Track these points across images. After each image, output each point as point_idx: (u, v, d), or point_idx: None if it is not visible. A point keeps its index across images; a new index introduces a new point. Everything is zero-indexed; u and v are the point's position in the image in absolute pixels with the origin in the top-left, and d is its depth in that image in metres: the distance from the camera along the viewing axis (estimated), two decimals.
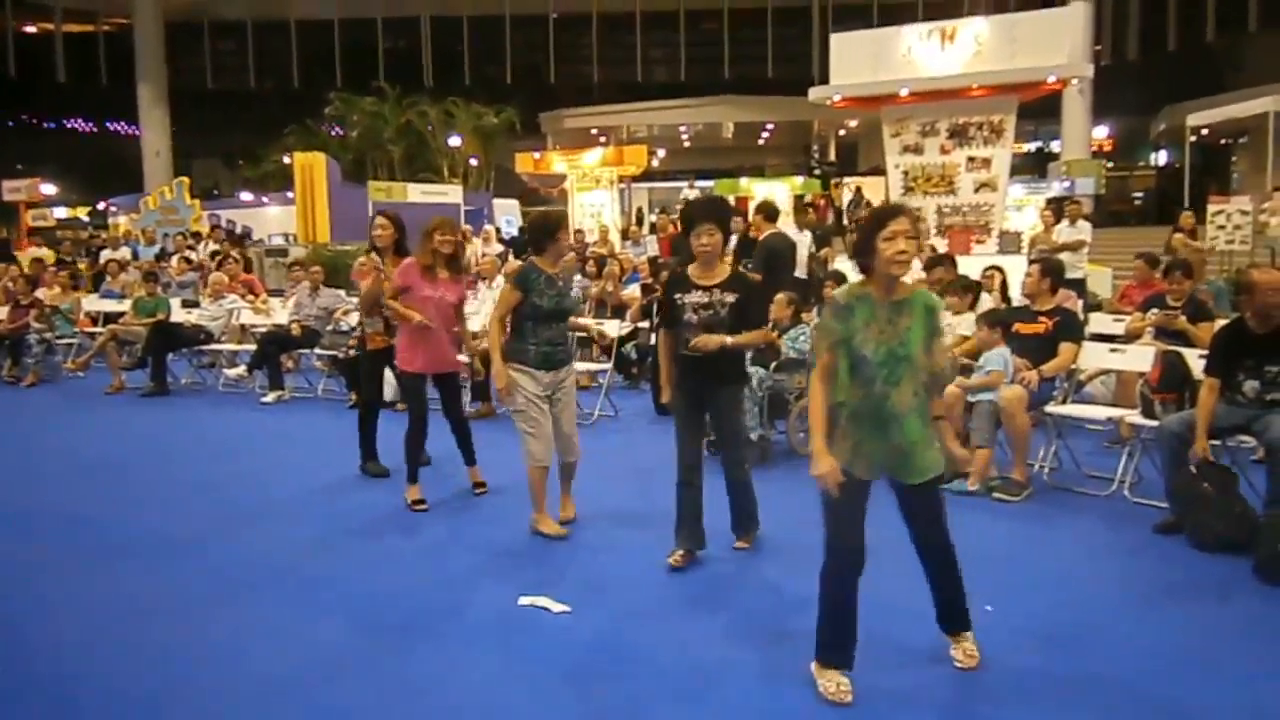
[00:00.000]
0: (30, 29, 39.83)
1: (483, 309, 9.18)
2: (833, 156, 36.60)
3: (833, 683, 3.28)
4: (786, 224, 20.92)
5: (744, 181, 30.57)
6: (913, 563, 3.49)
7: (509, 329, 5.00)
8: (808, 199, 21.82)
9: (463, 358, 6.12)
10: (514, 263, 9.35)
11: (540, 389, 4.91)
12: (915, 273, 10.45)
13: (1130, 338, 6.89)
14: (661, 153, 35.52)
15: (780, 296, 7.08)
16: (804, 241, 12.63)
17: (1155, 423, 5.47)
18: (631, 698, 3.39)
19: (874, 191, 26.35)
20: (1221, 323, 5.52)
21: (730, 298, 4.40)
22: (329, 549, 5.05)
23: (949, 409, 5.78)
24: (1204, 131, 22.61)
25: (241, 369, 9.64)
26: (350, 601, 4.31)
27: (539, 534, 5.03)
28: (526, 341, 4.93)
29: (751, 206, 10.00)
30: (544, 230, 5.12)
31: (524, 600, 4.19)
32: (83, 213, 34.18)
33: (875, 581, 3.34)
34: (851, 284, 3.33)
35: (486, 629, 3.97)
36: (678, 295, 4.48)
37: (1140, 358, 6.04)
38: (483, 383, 7.87)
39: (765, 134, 37.92)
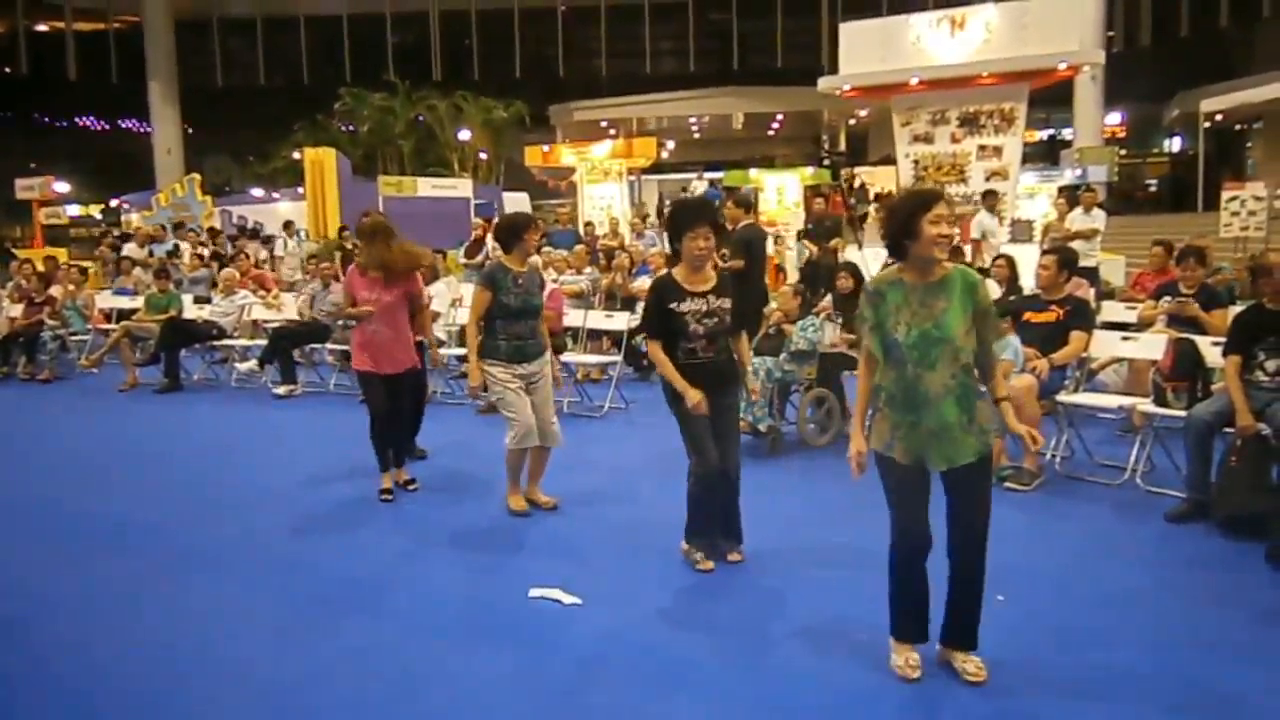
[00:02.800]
0: (42, 28, 39.98)
1: None
2: (843, 147, 36.45)
3: (901, 657, 3.39)
4: (798, 215, 20.77)
5: (754, 172, 30.46)
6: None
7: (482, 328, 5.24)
8: (821, 189, 21.69)
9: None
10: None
11: (515, 380, 5.15)
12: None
13: (1142, 325, 6.85)
14: (671, 144, 35.43)
15: (786, 288, 7.15)
16: None
17: (1167, 411, 5.44)
18: (639, 692, 3.40)
19: (885, 181, 26.22)
20: (1235, 309, 5.53)
21: (727, 303, 4.33)
22: (335, 540, 5.09)
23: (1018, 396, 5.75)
24: (1218, 117, 22.47)
25: (253, 364, 9.67)
26: (350, 595, 4.34)
27: (509, 510, 5.33)
28: (497, 338, 5.17)
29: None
30: (512, 230, 5.35)
31: (535, 592, 4.20)
32: (95, 210, 34.33)
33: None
34: (886, 270, 3.34)
35: (498, 620, 3.99)
36: (674, 304, 4.26)
37: (1152, 346, 6.00)
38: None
39: (775, 125, 37.77)
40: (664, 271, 4.52)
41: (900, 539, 3.32)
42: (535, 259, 5.72)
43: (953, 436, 3.21)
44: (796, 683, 3.39)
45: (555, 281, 9.39)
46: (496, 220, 5.66)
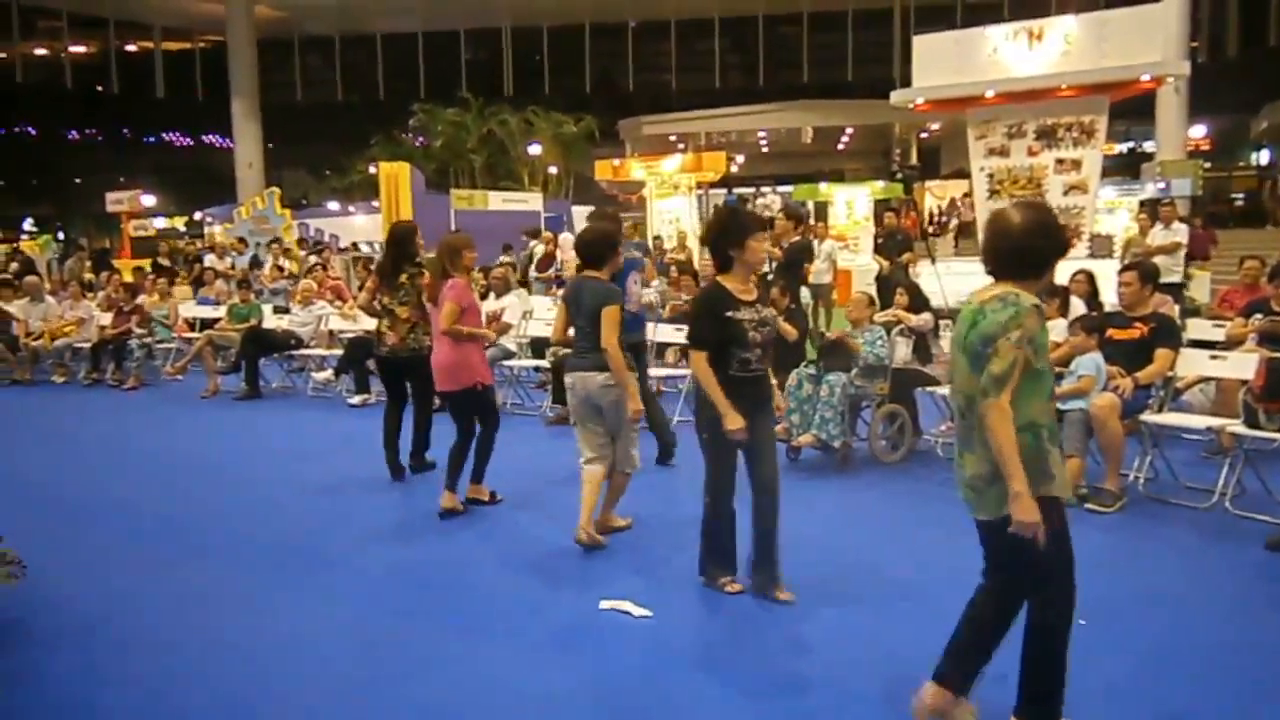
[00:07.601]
0: (131, 48, 41.61)
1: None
2: (914, 160, 36.02)
3: None
4: (867, 230, 20.52)
5: (823, 186, 30.24)
6: None
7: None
8: (892, 203, 21.37)
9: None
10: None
11: None
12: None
13: (1231, 344, 6.62)
14: (740, 158, 35.40)
15: (859, 296, 7.10)
16: None
17: (1259, 433, 5.24)
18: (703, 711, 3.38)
19: (957, 194, 25.79)
20: None
21: (771, 312, 4.26)
22: (405, 549, 5.17)
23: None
24: None
25: (329, 373, 9.89)
26: (426, 602, 4.40)
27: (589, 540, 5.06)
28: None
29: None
30: (608, 246, 5.08)
31: (605, 604, 4.20)
32: (180, 222, 35.51)
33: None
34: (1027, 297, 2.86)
35: (567, 631, 4.00)
36: (730, 313, 4.03)
37: (1243, 364, 5.78)
38: None
39: (845, 138, 37.52)
40: (712, 280, 4.23)
41: (1064, 591, 3.09)
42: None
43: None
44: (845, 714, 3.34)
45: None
46: (577, 237, 5.39)
